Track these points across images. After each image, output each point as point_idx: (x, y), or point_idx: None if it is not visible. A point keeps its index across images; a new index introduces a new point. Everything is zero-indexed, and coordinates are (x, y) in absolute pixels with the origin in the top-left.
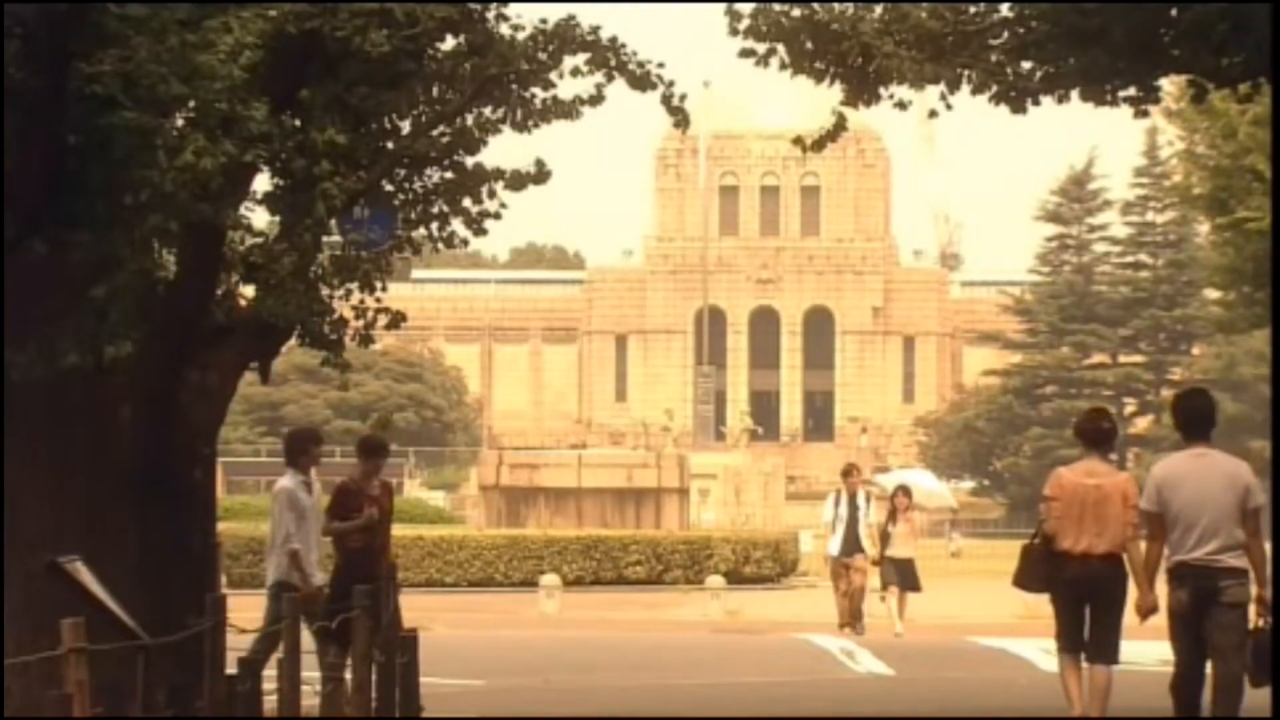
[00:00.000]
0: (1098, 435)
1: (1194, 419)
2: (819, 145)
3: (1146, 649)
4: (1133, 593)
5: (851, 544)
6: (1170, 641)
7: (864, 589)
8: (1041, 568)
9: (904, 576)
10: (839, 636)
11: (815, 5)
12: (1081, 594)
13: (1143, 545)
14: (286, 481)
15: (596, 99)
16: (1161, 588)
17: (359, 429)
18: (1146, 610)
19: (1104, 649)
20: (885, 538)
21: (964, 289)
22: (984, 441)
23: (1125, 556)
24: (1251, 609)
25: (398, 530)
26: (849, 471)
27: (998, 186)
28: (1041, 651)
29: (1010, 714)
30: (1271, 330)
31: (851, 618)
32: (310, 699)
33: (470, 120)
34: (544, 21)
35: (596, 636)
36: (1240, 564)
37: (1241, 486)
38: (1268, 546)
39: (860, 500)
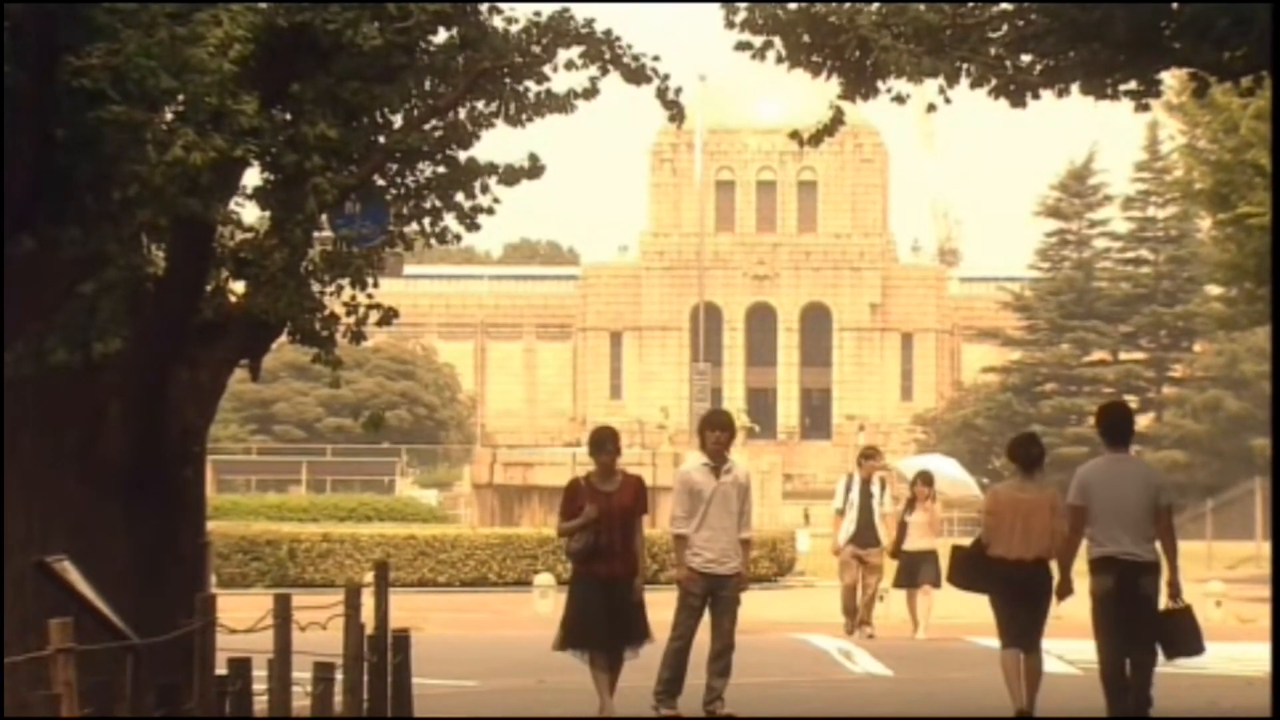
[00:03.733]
0: (1028, 460)
1: (1115, 428)
2: (816, 140)
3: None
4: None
5: (866, 534)
6: (1094, 630)
7: (877, 587)
8: (971, 568)
9: (924, 570)
10: (838, 637)
11: None
12: (1017, 594)
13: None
14: (687, 463)
15: (591, 93)
16: (1080, 580)
17: (351, 427)
18: (1064, 594)
19: (1033, 638)
20: (903, 528)
21: (963, 285)
22: (983, 439)
23: (1054, 560)
24: (1162, 594)
25: (390, 529)
26: (870, 454)
27: (997, 182)
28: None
29: (1008, 714)
30: (1272, 327)
31: (861, 620)
32: (301, 699)
33: (463, 114)
34: (538, 14)
35: None
36: (1151, 559)
37: (1154, 488)
38: (1179, 540)
39: (874, 487)
